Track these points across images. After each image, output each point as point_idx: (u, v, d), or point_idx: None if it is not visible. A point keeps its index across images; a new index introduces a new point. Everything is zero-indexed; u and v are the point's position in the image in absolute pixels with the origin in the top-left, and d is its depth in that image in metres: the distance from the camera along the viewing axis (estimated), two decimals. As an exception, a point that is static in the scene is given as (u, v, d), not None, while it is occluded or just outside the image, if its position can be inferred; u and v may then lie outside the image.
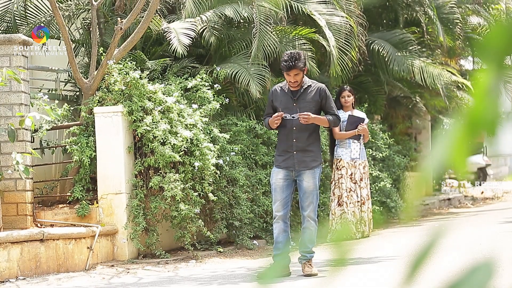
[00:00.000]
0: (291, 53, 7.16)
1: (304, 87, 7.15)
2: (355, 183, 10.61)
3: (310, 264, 7.15)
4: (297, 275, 7.21)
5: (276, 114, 7.03)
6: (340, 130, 10.57)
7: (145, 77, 9.48)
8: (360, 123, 10.53)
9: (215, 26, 10.97)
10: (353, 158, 10.58)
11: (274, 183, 7.14)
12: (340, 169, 10.58)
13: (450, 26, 14.66)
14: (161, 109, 9.33)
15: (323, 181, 12.00)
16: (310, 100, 7.11)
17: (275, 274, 1.18)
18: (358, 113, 10.90)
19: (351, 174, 10.60)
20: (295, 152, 7.09)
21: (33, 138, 9.07)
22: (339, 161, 10.61)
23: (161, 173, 9.25)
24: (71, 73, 10.53)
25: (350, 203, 10.56)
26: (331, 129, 10.71)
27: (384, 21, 15.45)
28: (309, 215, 7.06)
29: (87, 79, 9.62)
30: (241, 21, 11.45)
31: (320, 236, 10.24)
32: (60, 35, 9.97)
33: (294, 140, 7.09)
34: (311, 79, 7.43)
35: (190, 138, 9.37)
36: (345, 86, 11.02)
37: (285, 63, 7.05)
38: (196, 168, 9.35)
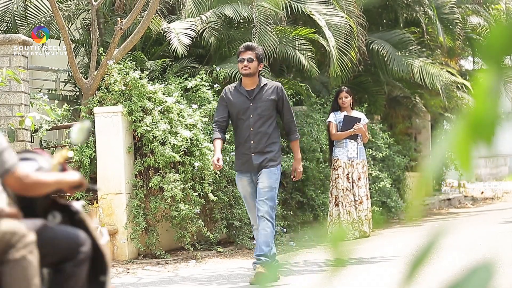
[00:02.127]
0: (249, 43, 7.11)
1: (260, 86, 6.81)
2: (352, 182, 10.61)
3: (262, 266, 6.69)
4: (296, 275, 7.21)
5: (215, 164, 6.68)
6: (337, 131, 10.57)
7: (145, 77, 9.47)
8: (356, 123, 10.53)
9: (215, 26, 10.98)
10: (350, 158, 10.58)
11: (241, 191, 6.98)
12: (337, 169, 10.59)
13: (450, 26, 14.65)
14: (161, 109, 9.33)
15: (322, 181, 11.99)
16: (266, 99, 6.79)
17: (272, 278, 1.18)
18: (357, 113, 10.89)
19: (348, 174, 10.60)
20: (253, 155, 6.80)
21: (33, 138, 9.07)
22: (336, 161, 10.61)
23: (161, 173, 9.25)
24: (71, 73, 10.53)
25: (346, 202, 10.56)
26: (329, 130, 10.70)
27: (384, 21, 15.45)
28: (264, 215, 6.67)
29: (87, 79, 9.62)
30: (241, 21, 11.45)
31: (320, 237, 10.24)
32: (60, 35, 9.97)
33: (252, 142, 6.79)
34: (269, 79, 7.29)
35: (190, 138, 9.37)
36: (343, 87, 11.01)
37: (241, 47, 6.86)
38: (196, 168, 9.35)
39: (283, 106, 6.84)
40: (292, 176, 7.04)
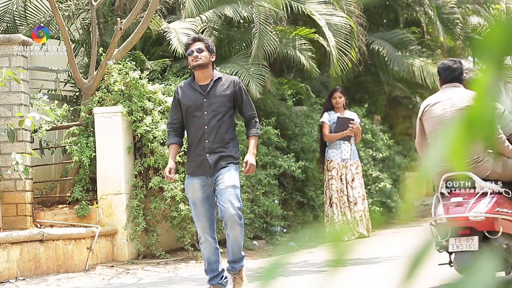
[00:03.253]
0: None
1: (214, 79, 6.17)
2: (345, 184, 10.58)
3: (240, 278, 6.27)
4: (295, 275, 7.19)
5: (166, 176, 6.12)
6: (330, 132, 10.54)
7: (145, 77, 9.46)
8: (350, 122, 10.50)
9: (215, 26, 10.97)
10: (343, 159, 10.55)
11: (191, 197, 6.11)
12: (331, 170, 10.56)
13: (450, 26, 14.65)
14: (161, 109, 9.32)
15: (323, 182, 11.95)
16: (222, 94, 6.14)
17: (274, 275, 1.18)
18: (349, 114, 10.83)
19: (341, 175, 10.57)
20: (208, 155, 6.09)
21: (33, 138, 9.06)
22: (330, 162, 10.58)
23: (161, 173, 9.24)
24: (70, 73, 10.52)
25: (340, 204, 10.54)
26: (321, 131, 10.65)
27: (384, 21, 15.45)
28: (231, 217, 5.93)
29: (86, 79, 9.60)
30: (241, 21, 11.45)
31: (319, 237, 10.22)
32: (60, 35, 9.96)
33: (207, 141, 6.11)
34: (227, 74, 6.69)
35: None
36: (337, 87, 10.98)
37: (188, 39, 6.35)
38: (196, 168, 9.33)
39: (242, 101, 6.23)
40: (242, 168, 6.26)
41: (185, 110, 6.16)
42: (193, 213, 6.15)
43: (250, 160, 6.23)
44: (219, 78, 6.20)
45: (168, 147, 6.35)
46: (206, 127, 6.10)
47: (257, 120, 6.38)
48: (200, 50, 6.12)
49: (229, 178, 6.04)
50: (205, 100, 6.12)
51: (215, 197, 6.06)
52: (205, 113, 6.10)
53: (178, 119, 6.23)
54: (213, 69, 6.23)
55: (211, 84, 6.15)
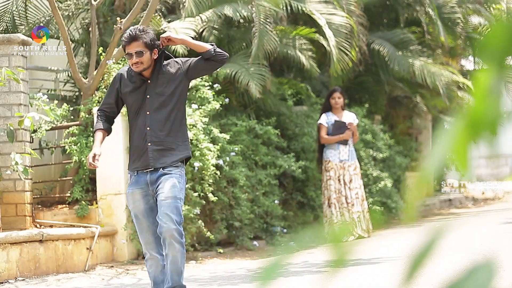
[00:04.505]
0: (135, 26, 5.57)
1: (159, 67, 5.39)
2: (343, 184, 10.56)
3: None
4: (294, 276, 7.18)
5: (89, 163, 5.31)
6: (328, 134, 10.50)
7: (145, 77, 9.44)
8: (347, 125, 10.46)
9: (215, 25, 10.95)
10: (341, 160, 10.53)
11: (132, 209, 5.35)
12: (329, 171, 10.54)
13: (451, 26, 14.64)
14: (161, 109, 9.30)
15: (314, 182, 11.88)
16: (167, 73, 5.36)
17: (274, 275, 1.16)
18: (348, 114, 10.79)
19: (339, 176, 10.55)
20: (149, 144, 5.28)
21: (32, 138, 9.04)
22: (328, 163, 10.55)
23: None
24: (70, 73, 10.51)
25: (338, 204, 10.52)
26: (319, 134, 10.60)
27: (385, 20, 15.43)
28: (171, 235, 5.15)
29: (86, 79, 9.59)
30: (241, 20, 11.44)
31: (318, 237, 10.21)
32: (60, 35, 9.94)
33: (148, 129, 5.29)
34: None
35: (190, 139, 9.35)
36: (337, 87, 10.94)
37: (124, 38, 5.36)
38: (196, 168, 9.32)
39: (190, 64, 5.37)
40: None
41: (126, 95, 5.38)
42: (136, 227, 5.41)
43: (168, 35, 5.39)
44: (165, 64, 5.38)
45: (94, 133, 5.54)
46: (148, 112, 5.30)
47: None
48: (140, 54, 5.26)
49: (170, 187, 5.22)
50: (148, 81, 5.34)
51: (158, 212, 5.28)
52: (148, 96, 5.31)
53: (111, 104, 5.45)
54: (151, 62, 5.35)
55: (157, 68, 5.37)
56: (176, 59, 5.41)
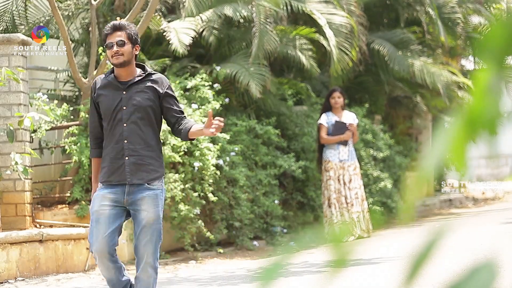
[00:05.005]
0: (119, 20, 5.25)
1: (137, 77, 5.02)
2: (343, 184, 10.55)
3: None
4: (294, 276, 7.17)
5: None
6: (328, 134, 10.49)
7: (145, 77, 9.44)
8: (347, 127, 10.46)
9: (215, 25, 10.95)
10: (341, 160, 10.51)
11: (96, 211, 4.91)
12: (329, 171, 10.52)
13: (451, 26, 14.64)
14: (161, 109, 9.30)
15: (314, 182, 11.86)
16: (145, 87, 4.97)
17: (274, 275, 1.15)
18: (348, 114, 10.78)
19: (339, 176, 10.54)
20: (127, 158, 4.92)
21: (32, 138, 9.04)
22: (327, 163, 10.54)
23: (160, 173, 9.21)
24: (70, 73, 10.50)
25: (338, 204, 10.51)
26: (319, 134, 10.58)
27: (385, 20, 15.43)
28: (147, 260, 4.92)
29: (86, 79, 9.58)
30: (241, 20, 11.43)
31: (318, 238, 10.20)
32: (59, 35, 9.94)
33: (126, 142, 4.94)
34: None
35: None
36: (336, 87, 10.91)
37: (107, 28, 5.07)
38: (196, 168, 9.31)
39: (168, 101, 5.01)
40: (211, 129, 4.84)
41: (102, 108, 5.02)
42: (91, 232, 4.92)
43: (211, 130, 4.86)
44: (145, 74, 5.03)
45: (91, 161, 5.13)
46: (125, 124, 4.94)
47: (183, 116, 5.06)
48: (121, 43, 4.96)
49: (154, 207, 4.89)
50: (124, 93, 4.96)
51: (134, 230, 4.95)
52: (124, 108, 4.95)
53: (95, 123, 5.10)
54: (140, 65, 5.10)
55: (136, 79, 5.00)
56: (157, 78, 5.04)
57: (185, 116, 5.03)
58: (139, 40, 5.08)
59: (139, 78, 4.98)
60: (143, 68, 5.07)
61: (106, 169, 4.96)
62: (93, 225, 4.92)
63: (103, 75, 5.11)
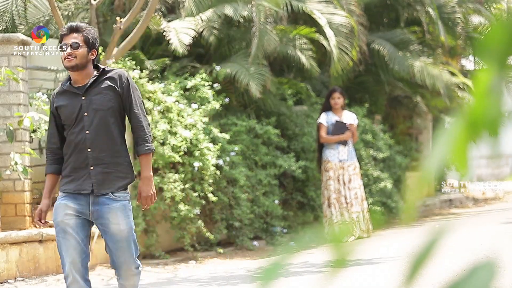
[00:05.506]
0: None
1: (93, 77, 4.71)
2: (343, 184, 10.54)
3: None
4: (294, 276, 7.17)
5: (36, 221, 4.71)
6: (328, 133, 10.48)
7: (144, 77, 9.44)
8: (347, 127, 10.45)
9: (215, 25, 10.94)
10: (341, 160, 10.51)
11: (61, 222, 4.54)
12: (328, 171, 10.52)
13: (452, 26, 14.63)
14: (161, 109, 9.29)
15: (314, 182, 11.84)
16: (105, 88, 4.67)
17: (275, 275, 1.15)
18: (348, 114, 10.77)
19: (339, 176, 10.54)
20: (92, 168, 4.60)
21: (32, 138, 9.03)
22: (327, 163, 10.54)
23: (160, 173, 9.21)
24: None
25: (338, 204, 10.50)
26: (318, 133, 10.57)
27: (385, 20, 15.43)
28: (129, 270, 4.69)
29: (86, 79, 9.57)
30: (241, 20, 11.43)
31: (318, 238, 10.19)
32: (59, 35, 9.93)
33: (90, 150, 4.61)
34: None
35: (190, 139, 9.34)
36: (336, 87, 10.90)
37: (63, 28, 4.81)
38: (196, 168, 9.31)
39: (128, 99, 4.70)
40: (137, 202, 4.79)
41: (62, 117, 4.70)
42: (60, 244, 4.55)
43: (145, 191, 4.66)
44: (103, 73, 4.72)
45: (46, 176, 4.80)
46: (87, 132, 4.62)
47: (147, 131, 4.70)
48: (75, 45, 4.68)
49: (125, 218, 4.61)
50: (83, 98, 4.66)
51: (105, 242, 4.65)
52: (85, 114, 4.64)
53: (55, 138, 4.75)
54: (95, 67, 4.76)
55: (91, 81, 4.68)
56: (113, 75, 4.72)
57: (141, 127, 4.66)
58: (97, 45, 4.78)
59: (94, 78, 4.67)
60: (98, 68, 4.75)
61: (69, 179, 4.63)
62: (60, 237, 4.54)
63: (59, 87, 4.82)
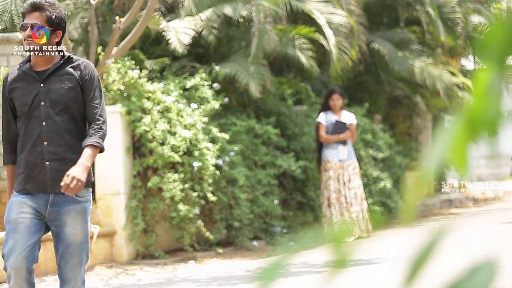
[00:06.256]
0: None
1: (57, 64, 4.29)
2: (343, 184, 10.54)
3: None
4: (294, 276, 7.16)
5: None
6: (327, 133, 10.48)
7: (144, 77, 9.44)
8: (347, 126, 10.45)
9: (214, 25, 10.94)
10: (340, 159, 10.51)
11: (15, 219, 4.13)
12: (328, 171, 10.52)
13: (451, 26, 14.64)
14: (160, 108, 9.29)
15: (314, 182, 11.82)
16: (65, 78, 4.24)
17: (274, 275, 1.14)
18: (347, 114, 10.77)
19: (339, 175, 10.54)
20: (47, 163, 4.17)
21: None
22: (327, 163, 10.54)
23: (160, 173, 9.21)
24: (69, 73, 10.48)
25: (338, 204, 10.49)
26: (317, 133, 10.57)
27: (385, 20, 15.43)
28: (76, 284, 4.25)
29: (85, 78, 9.57)
30: (241, 20, 11.43)
31: (318, 238, 10.18)
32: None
33: (46, 143, 4.19)
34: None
35: (189, 138, 9.33)
36: (336, 88, 10.89)
37: (26, 6, 4.39)
38: (196, 168, 9.31)
39: (88, 92, 4.23)
40: (61, 183, 4.04)
41: (17, 104, 4.27)
42: (7, 243, 4.14)
43: (74, 172, 4.02)
44: (67, 61, 4.30)
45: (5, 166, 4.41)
46: (44, 123, 4.20)
47: (103, 127, 4.25)
48: (36, 26, 4.33)
49: (79, 224, 4.19)
50: (41, 85, 4.23)
51: (54, 249, 4.26)
52: (42, 103, 4.21)
53: (13, 125, 4.31)
54: (59, 52, 4.33)
55: (52, 68, 4.27)
56: (78, 64, 4.30)
57: (97, 120, 4.22)
58: (63, 25, 4.35)
59: (58, 65, 4.25)
60: (64, 55, 4.32)
61: (23, 176, 4.20)
62: (9, 236, 4.13)
63: (15, 68, 4.39)
